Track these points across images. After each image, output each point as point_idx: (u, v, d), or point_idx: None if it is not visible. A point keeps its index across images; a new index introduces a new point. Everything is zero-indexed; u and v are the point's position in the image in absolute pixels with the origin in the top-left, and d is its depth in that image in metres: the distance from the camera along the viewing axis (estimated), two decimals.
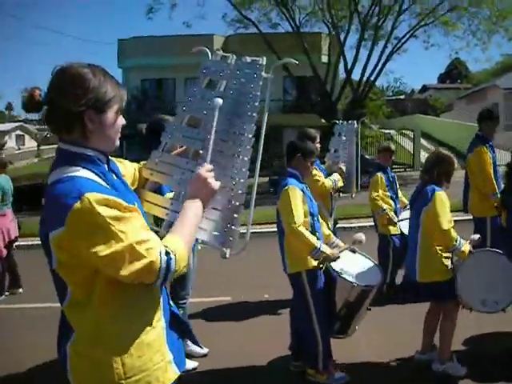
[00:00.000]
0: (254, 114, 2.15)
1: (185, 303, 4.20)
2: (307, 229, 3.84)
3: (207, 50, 2.40)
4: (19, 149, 42.77)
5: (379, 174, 6.20)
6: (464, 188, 5.85)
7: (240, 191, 2.05)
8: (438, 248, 3.97)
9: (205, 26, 25.58)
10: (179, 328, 1.93)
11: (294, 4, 21.45)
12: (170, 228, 1.79)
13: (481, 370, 4.10)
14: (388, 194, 6.20)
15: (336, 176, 5.70)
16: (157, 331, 1.76)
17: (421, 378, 4.10)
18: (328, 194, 5.63)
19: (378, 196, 6.11)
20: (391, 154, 6.40)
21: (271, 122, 2.12)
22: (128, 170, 2.13)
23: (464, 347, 4.50)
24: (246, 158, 2.08)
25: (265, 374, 4.31)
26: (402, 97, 52.69)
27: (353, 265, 4.03)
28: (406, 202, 6.27)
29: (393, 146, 6.61)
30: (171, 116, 2.80)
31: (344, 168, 5.97)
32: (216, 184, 1.90)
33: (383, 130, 30.85)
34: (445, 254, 3.98)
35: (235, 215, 2.03)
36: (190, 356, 4.20)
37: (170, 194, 2.31)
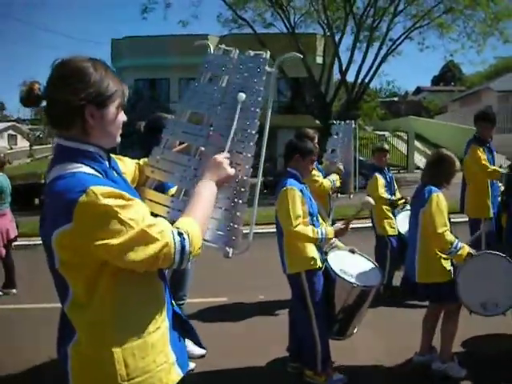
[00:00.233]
0: (258, 110, 2.11)
1: (182, 304, 4.15)
2: None
3: (209, 44, 2.36)
4: (11, 148, 42.44)
5: (377, 175, 6.15)
6: (461, 190, 5.87)
7: (243, 189, 2.00)
8: (436, 249, 3.93)
9: (199, 26, 25.69)
10: (182, 328, 1.89)
11: (289, 5, 21.44)
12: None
13: (481, 371, 4.07)
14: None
15: (334, 176, 5.68)
16: (161, 331, 1.71)
17: (419, 380, 4.06)
18: (326, 195, 5.61)
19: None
20: (385, 154, 6.35)
21: None
22: (128, 167, 2.08)
23: (464, 349, 4.47)
24: (249, 155, 2.03)
25: (262, 376, 4.26)
26: (395, 99, 52.83)
27: (352, 265, 3.99)
28: None
29: (386, 146, 6.58)
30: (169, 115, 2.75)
31: (342, 168, 5.93)
32: (231, 170, 1.90)
33: (377, 132, 30.91)
34: (444, 256, 3.94)
35: (238, 214, 1.98)
36: (188, 357, 4.14)
37: (173, 190, 2.26)
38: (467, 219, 5.96)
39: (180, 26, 21.91)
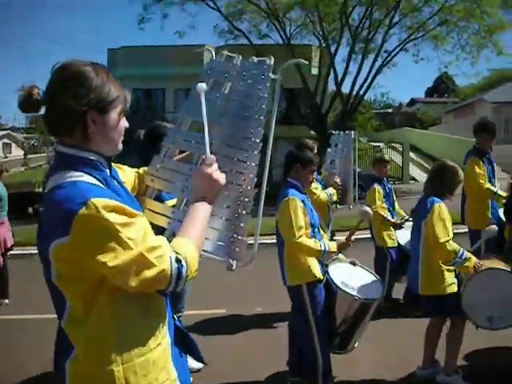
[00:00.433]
0: (262, 118, 2.04)
1: (180, 316, 4.06)
2: None
3: (211, 50, 2.30)
4: (6, 157, 42.27)
5: (376, 186, 6.09)
6: (461, 200, 5.83)
7: (247, 199, 1.93)
8: (439, 261, 3.87)
9: (195, 36, 25.74)
10: (183, 343, 1.81)
11: (284, 16, 21.52)
12: (173, 237, 1.67)
13: None
14: (385, 205, 6.10)
15: (331, 190, 5.65)
16: (162, 347, 1.64)
17: None
18: (325, 206, 5.55)
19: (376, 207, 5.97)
20: (386, 165, 6.31)
21: None
22: (128, 176, 2.02)
23: (468, 362, 4.39)
24: (253, 164, 1.96)
25: None
26: (389, 110, 53.09)
27: (353, 278, 3.92)
28: (403, 214, 6.21)
29: (386, 157, 6.55)
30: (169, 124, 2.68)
31: (339, 181, 5.89)
32: (222, 177, 1.78)
33: (372, 143, 30.97)
34: (447, 268, 3.87)
35: (242, 225, 1.91)
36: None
37: (170, 202, 2.19)
38: (466, 230, 5.91)
39: (176, 36, 22.01)
